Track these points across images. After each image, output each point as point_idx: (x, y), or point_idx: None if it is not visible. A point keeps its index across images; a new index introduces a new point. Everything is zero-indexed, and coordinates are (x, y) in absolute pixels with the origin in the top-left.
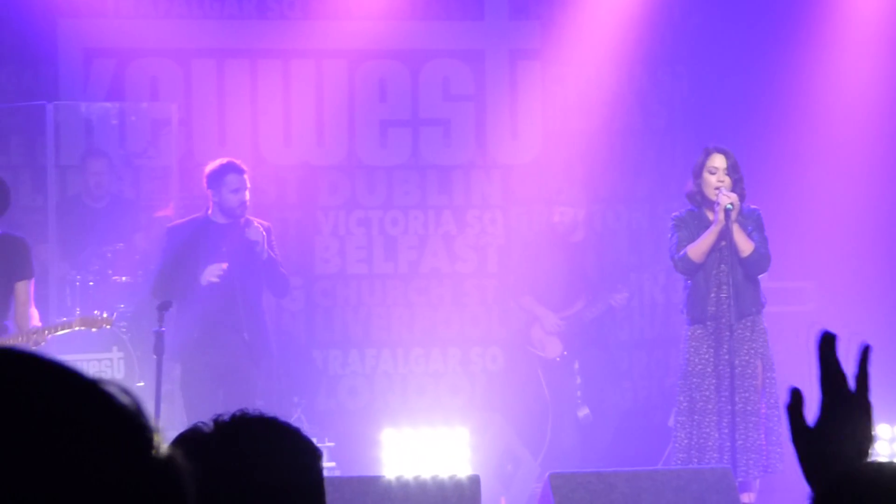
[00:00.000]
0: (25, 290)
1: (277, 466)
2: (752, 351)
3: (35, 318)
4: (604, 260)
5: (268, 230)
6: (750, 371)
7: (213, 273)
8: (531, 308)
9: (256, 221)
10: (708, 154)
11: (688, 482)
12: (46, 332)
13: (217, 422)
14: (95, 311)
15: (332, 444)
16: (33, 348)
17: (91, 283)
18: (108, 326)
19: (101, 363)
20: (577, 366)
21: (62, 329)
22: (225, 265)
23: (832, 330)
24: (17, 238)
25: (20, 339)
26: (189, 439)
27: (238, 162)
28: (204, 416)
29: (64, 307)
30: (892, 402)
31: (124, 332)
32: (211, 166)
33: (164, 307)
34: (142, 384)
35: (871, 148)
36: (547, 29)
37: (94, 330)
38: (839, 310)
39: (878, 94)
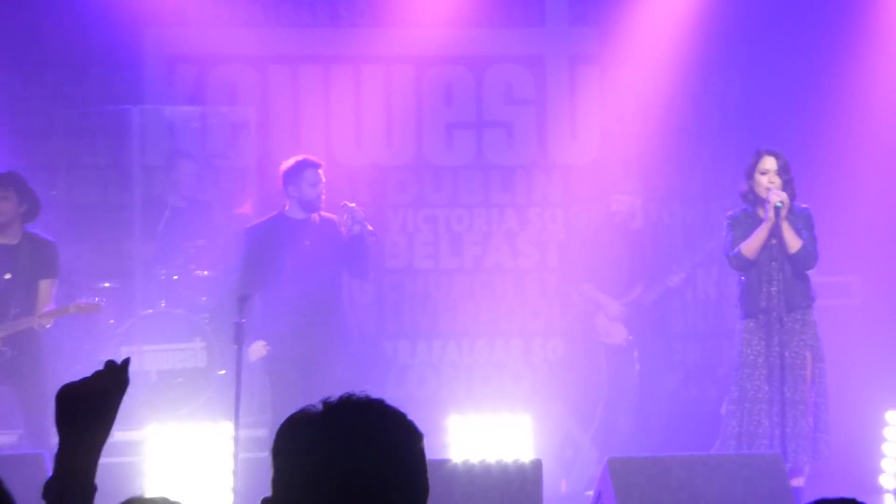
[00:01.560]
0: (46, 288)
1: (381, 445)
2: (802, 343)
3: None
4: (660, 246)
5: (336, 223)
6: (800, 362)
7: (257, 353)
8: (593, 296)
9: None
10: (759, 156)
11: (740, 467)
12: (52, 315)
13: (325, 403)
14: (96, 299)
15: None
16: (39, 329)
17: (175, 278)
18: (98, 311)
19: (185, 352)
20: (636, 353)
21: (60, 313)
22: (269, 348)
23: None
24: (46, 241)
25: (27, 321)
26: (299, 419)
27: (313, 157)
28: (290, 403)
29: (150, 300)
30: None
31: (206, 323)
32: (287, 164)
33: (243, 299)
34: (223, 372)
35: None
36: (605, 35)
37: (85, 314)
38: (885, 303)
39: None
